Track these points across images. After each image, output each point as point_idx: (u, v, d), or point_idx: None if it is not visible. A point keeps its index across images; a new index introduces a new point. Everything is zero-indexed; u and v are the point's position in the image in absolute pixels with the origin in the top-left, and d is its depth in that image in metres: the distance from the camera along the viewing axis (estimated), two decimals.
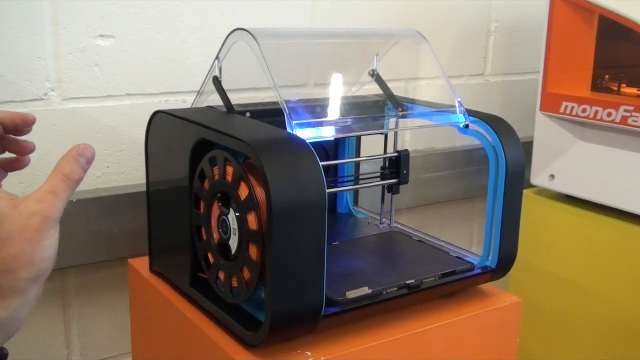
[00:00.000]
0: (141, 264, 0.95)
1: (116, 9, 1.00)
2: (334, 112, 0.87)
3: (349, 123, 0.84)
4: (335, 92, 0.92)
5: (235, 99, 0.87)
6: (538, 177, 1.28)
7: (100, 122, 1.02)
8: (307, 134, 0.74)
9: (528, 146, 1.27)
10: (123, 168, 1.05)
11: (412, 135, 1.33)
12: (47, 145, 0.98)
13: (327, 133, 0.79)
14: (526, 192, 1.30)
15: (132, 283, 0.98)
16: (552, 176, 1.25)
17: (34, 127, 0.96)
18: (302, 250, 0.67)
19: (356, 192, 1.09)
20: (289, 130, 0.74)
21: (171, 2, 1.04)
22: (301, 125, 0.74)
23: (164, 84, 1.06)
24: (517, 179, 0.84)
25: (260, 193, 0.68)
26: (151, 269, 0.93)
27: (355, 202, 1.09)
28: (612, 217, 1.17)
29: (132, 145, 1.05)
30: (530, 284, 1.31)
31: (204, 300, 0.80)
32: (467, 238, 1.50)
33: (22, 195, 0.96)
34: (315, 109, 0.84)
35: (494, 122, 0.85)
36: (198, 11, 1.06)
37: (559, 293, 1.27)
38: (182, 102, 1.08)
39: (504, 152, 0.82)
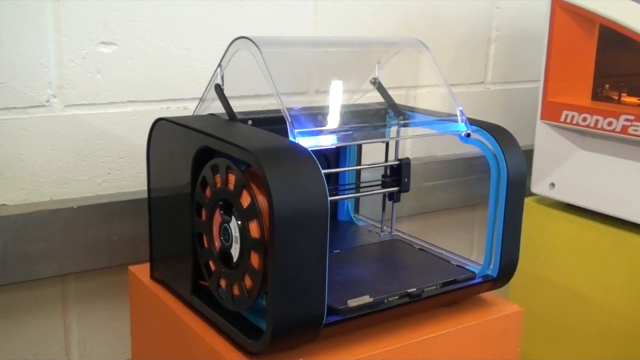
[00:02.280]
0: (142, 271, 0.95)
1: (118, 16, 1.00)
2: (335, 120, 0.88)
3: (351, 131, 0.84)
4: (337, 101, 0.92)
5: (237, 106, 0.87)
6: (538, 185, 1.28)
7: (101, 128, 1.02)
8: (309, 142, 0.74)
9: (528, 155, 1.27)
10: (124, 175, 1.05)
11: (413, 143, 1.33)
12: (49, 152, 0.98)
13: (329, 141, 0.79)
14: (526, 201, 1.30)
15: (132, 290, 0.98)
16: (553, 185, 1.25)
17: (36, 134, 0.97)
18: (304, 259, 0.67)
19: (357, 200, 1.09)
20: (291, 138, 0.74)
21: (173, 10, 1.04)
22: (303, 134, 0.74)
23: (165, 91, 1.06)
24: (518, 187, 0.84)
25: (262, 201, 0.68)
26: (152, 276, 0.93)
27: (356, 210, 1.09)
28: (613, 226, 1.17)
29: (134, 152, 1.05)
30: (530, 292, 1.31)
31: (205, 308, 0.80)
32: (467, 246, 1.50)
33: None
34: (317, 117, 0.84)
35: (496, 131, 0.85)
36: (200, 19, 1.07)
37: (560, 302, 1.27)
38: (183, 109, 1.08)
39: (506, 161, 0.82)
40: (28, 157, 0.97)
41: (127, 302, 1.01)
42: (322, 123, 0.83)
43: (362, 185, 0.98)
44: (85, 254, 1.00)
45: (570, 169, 1.23)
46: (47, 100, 0.97)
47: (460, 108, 0.87)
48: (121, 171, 1.05)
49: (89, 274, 1.04)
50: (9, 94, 0.94)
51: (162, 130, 0.87)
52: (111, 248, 1.02)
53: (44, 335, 1.04)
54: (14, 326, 1.01)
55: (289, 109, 0.75)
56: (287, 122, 0.74)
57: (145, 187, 0.92)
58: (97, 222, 1.00)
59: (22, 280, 0.96)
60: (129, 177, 1.06)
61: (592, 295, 1.22)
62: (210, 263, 0.78)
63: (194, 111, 0.92)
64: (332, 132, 0.80)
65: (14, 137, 0.96)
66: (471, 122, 0.87)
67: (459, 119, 0.87)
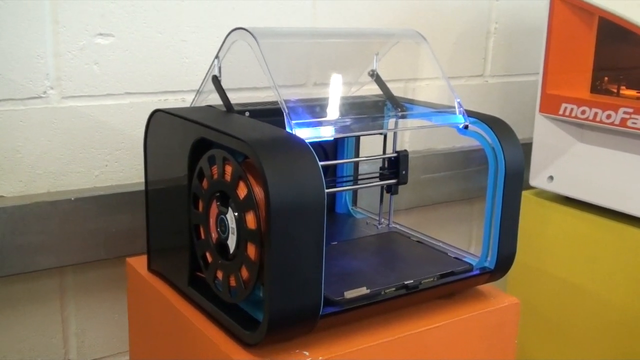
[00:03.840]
0: (139, 263, 0.95)
1: (116, 7, 1.00)
2: (333, 112, 0.87)
3: (349, 123, 0.84)
4: (335, 92, 0.92)
5: (234, 98, 0.87)
6: (537, 178, 1.28)
7: (99, 120, 1.02)
8: (306, 134, 0.74)
9: (527, 147, 1.27)
10: (122, 167, 1.05)
11: (411, 135, 1.33)
12: (46, 144, 0.98)
13: (326, 133, 0.79)
14: (525, 194, 1.30)
15: (130, 282, 0.98)
16: (551, 178, 1.25)
17: (33, 126, 0.97)
18: (300, 250, 0.67)
19: (355, 192, 1.09)
20: (288, 130, 0.74)
21: (171, 1, 1.04)
22: (300, 125, 0.74)
23: (163, 83, 1.06)
24: (516, 180, 0.84)
25: (259, 192, 0.68)
26: (149, 268, 0.93)
27: (354, 203, 1.09)
28: (611, 219, 1.17)
29: (131, 144, 1.05)
30: (528, 285, 1.31)
31: (202, 299, 0.80)
32: (465, 239, 1.50)
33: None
34: (314, 109, 0.84)
35: (494, 123, 0.85)
36: (198, 10, 1.06)
37: (557, 294, 1.27)
38: (181, 101, 1.08)
39: (504, 153, 0.82)
40: (25, 149, 0.97)
41: (125, 294, 1.02)
42: (320, 115, 0.83)
43: (360, 177, 0.98)
44: (83, 246, 1.00)
45: (568, 161, 1.23)
46: (45, 92, 0.97)
47: (458, 100, 0.87)
48: (119, 163, 1.05)
49: (87, 266, 1.04)
50: (6, 85, 0.94)
51: (159, 122, 0.87)
52: (109, 240, 1.02)
53: (41, 327, 1.04)
54: (12, 318, 1.01)
55: (286, 101, 0.75)
56: (284, 114, 0.74)
57: (143, 179, 0.92)
58: (95, 214, 1.00)
59: (19, 272, 0.96)
60: (127, 169, 1.06)
61: (590, 288, 1.22)
62: (207, 254, 0.78)
63: (192, 103, 0.92)
64: (329, 123, 0.80)
65: (11, 129, 0.96)
66: (469, 114, 0.87)
67: (457, 111, 0.87)
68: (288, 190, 0.65)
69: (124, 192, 1.02)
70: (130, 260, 0.97)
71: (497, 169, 0.83)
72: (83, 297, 1.06)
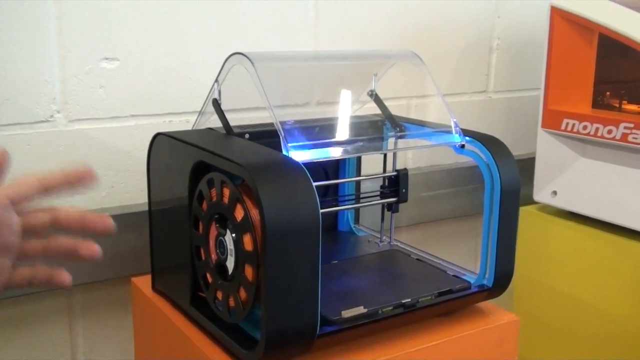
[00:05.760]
0: (144, 282, 0.96)
1: (121, 32, 1.02)
2: (330, 133, 0.89)
3: (346, 144, 0.85)
4: (332, 113, 0.93)
5: (237, 119, 0.88)
6: (540, 193, 1.28)
7: (105, 143, 1.04)
8: (302, 156, 0.75)
9: (530, 163, 1.27)
10: (128, 188, 1.07)
11: (413, 152, 1.34)
12: (53, 167, 1.00)
13: (323, 155, 0.80)
14: (529, 209, 1.30)
15: (135, 301, 0.99)
16: (555, 193, 1.26)
17: (41, 149, 0.99)
18: (296, 271, 0.68)
19: (357, 210, 1.10)
20: (284, 152, 0.75)
21: (175, 25, 1.06)
22: (296, 148, 0.75)
23: (167, 105, 1.08)
24: (512, 198, 0.84)
25: (255, 215, 0.70)
26: (153, 288, 0.94)
27: (357, 221, 1.10)
28: (614, 233, 1.17)
29: (137, 166, 1.07)
30: (533, 300, 1.31)
31: (203, 319, 0.81)
32: (469, 256, 1.50)
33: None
34: (311, 131, 0.85)
35: (489, 142, 0.86)
36: (202, 33, 1.08)
37: (563, 309, 1.27)
38: (185, 122, 1.09)
39: (499, 171, 0.83)
40: (33, 172, 0.99)
41: (131, 312, 1.03)
42: (317, 136, 0.84)
43: (361, 195, 0.99)
44: (91, 266, 1.01)
45: (571, 176, 1.23)
46: (52, 116, 0.99)
47: (455, 119, 0.88)
48: (125, 184, 1.07)
49: (94, 286, 1.06)
50: (14, 109, 0.96)
51: (161, 145, 0.88)
52: (116, 260, 1.03)
53: (50, 346, 1.05)
54: (22, 338, 1.03)
55: (282, 123, 0.76)
56: (280, 136, 0.76)
57: None
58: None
59: (28, 292, 0.98)
60: (133, 190, 1.08)
61: (595, 303, 1.22)
62: (208, 275, 0.79)
63: (194, 125, 0.94)
64: (325, 145, 0.81)
65: (19, 152, 0.98)
66: (466, 133, 0.88)
67: (454, 130, 0.88)
68: (283, 213, 0.67)
69: (131, 212, 1.04)
70: (135, 280, 0.99)
71: (493, 187, 0.84)
72: (91, 317, 1.08)
